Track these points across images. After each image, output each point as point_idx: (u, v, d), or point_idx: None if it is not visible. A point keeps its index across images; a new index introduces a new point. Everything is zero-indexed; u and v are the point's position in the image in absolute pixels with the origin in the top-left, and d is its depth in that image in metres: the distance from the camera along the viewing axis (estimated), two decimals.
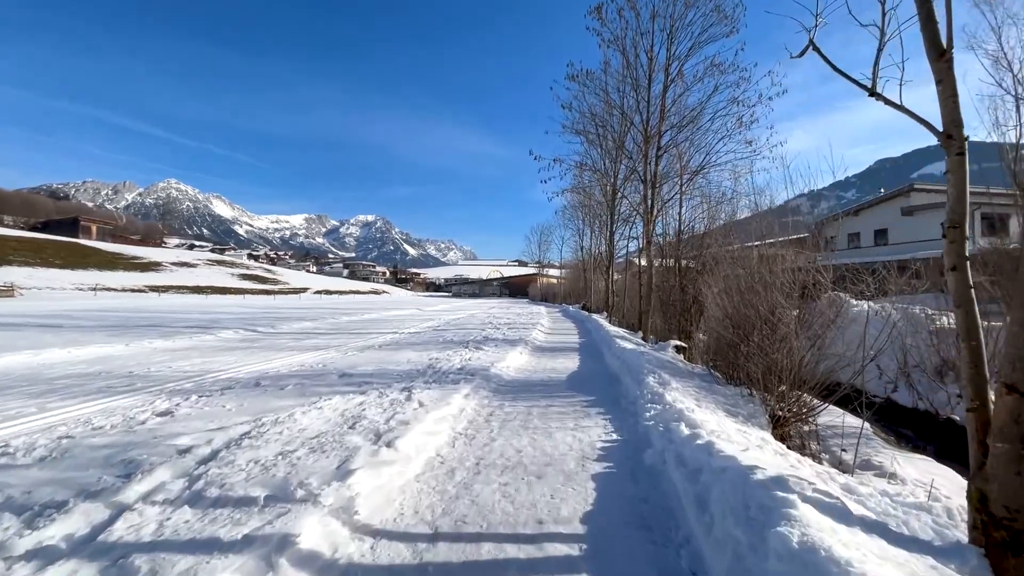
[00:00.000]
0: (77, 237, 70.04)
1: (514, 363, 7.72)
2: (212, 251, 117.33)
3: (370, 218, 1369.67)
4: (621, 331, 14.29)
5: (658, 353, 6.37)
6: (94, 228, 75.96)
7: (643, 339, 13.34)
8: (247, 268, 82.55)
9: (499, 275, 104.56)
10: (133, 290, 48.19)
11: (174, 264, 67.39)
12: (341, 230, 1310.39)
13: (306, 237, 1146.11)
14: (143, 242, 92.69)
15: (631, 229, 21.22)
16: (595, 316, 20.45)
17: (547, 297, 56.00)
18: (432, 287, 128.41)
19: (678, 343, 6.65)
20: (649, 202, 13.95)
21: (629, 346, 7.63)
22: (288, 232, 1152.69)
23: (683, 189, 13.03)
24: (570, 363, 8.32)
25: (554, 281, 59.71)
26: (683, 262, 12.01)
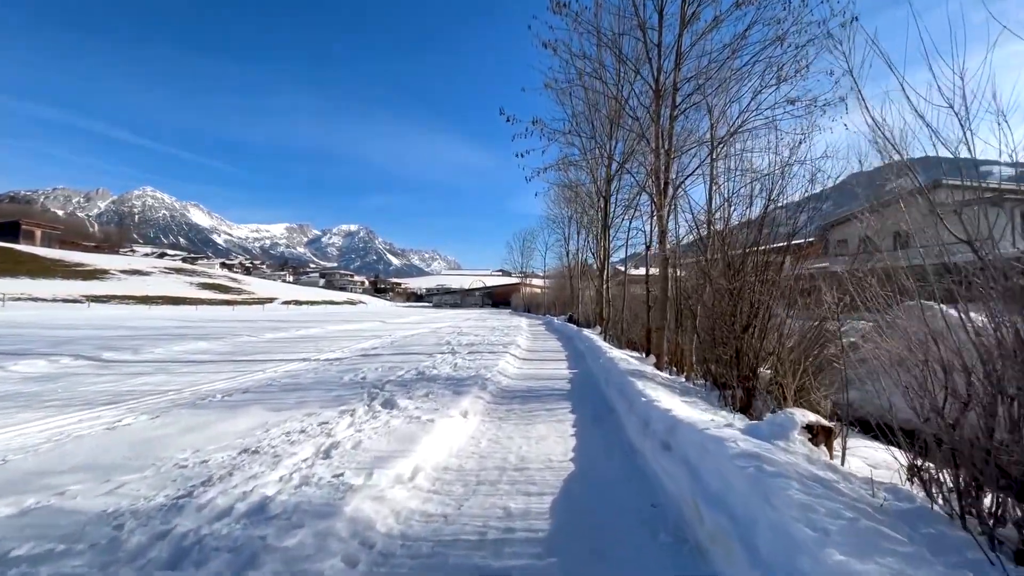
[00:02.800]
0: (17, 242, 63.54)
1: (439, 455, 3.66)
2: (184, 260, 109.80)
3: (353, 228, 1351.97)
4: (626, 355, 10.32)
5: (782, 453, 2.46)
6: (38, 233, 69.42)
7: (657, 366, 9.43)
8: (209, 277, 76.68)
9: (482, 285, 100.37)
10: (66, 300, 42.71)
11: (124, 272, 61.39)
12: (323, 240, 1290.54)
13: (287, 246, 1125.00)
14: (99, 249, 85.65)
15: (632, 222, 17.10)
16: (586, 332, 16.48)
17: (530, 307, 52.21)
18: (413, 297, 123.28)
19: (810, 420, 2.74)
20: (662, 179, 10.11)
21: (684, 413, 3.55)
22: (268, 241, 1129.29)
23: (715, 157, 9.20)
24: (558, 443, 4.27)
25: (537, 291, 55.97)
26: (705, 259, 8.07)
